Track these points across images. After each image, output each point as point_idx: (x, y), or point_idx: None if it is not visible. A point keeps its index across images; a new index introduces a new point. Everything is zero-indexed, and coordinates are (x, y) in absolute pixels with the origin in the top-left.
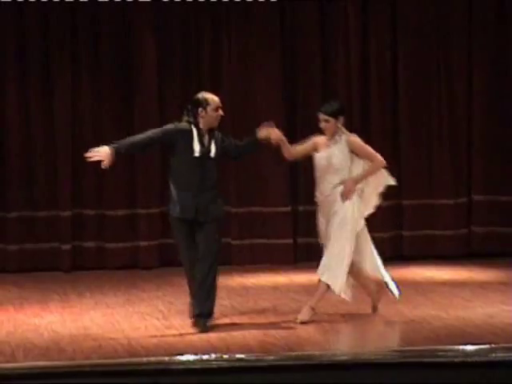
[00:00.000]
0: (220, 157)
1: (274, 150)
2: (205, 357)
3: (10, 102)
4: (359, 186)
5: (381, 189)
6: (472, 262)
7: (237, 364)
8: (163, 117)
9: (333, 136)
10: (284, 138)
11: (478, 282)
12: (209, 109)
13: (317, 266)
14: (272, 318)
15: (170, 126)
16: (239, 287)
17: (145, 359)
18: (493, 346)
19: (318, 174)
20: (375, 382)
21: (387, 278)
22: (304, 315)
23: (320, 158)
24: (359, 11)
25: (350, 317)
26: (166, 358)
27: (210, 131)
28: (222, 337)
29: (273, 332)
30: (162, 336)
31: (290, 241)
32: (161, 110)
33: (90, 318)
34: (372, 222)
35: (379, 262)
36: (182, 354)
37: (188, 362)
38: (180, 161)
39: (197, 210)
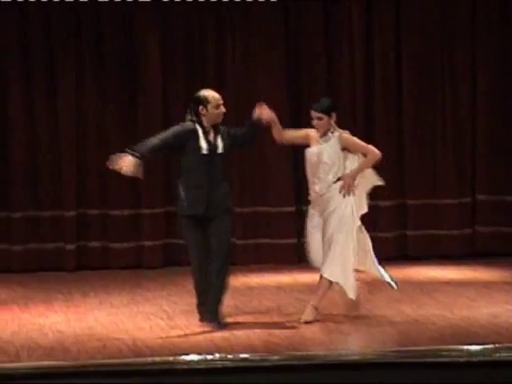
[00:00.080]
0: (228, 151)
1: (278, 150)
2: (209, 357)
3: (14, 102)
4: (356, 181)
5: (369, 189)
6: (476, 262)
7: (241, 364)
8: (167, 117)
9: (325, 133)
10: (276, 119)
11: (483, 282)
12: (209, 106)
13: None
14: (276, 318)
15: (177, 128)
16: (243, 287)
17: (149, 359)
18: (497, 345)
19: (309, 170)
20: (380, 382)
21: (386, 277)
22: (308, 315)
23: (311, 153)
24: (363, 11)
25: (354, 317)
26: (171, 358)
27: (215, 127)
28: (227, 337)
29: (277, 332)
30: (167, 336)
31: (295, 241)
32: (165, 109)
33: (95, 317)
34: (376, 221)
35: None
36: (186, 354)
37: (192, 361)
38: (189, 160)
39: (208, 207)
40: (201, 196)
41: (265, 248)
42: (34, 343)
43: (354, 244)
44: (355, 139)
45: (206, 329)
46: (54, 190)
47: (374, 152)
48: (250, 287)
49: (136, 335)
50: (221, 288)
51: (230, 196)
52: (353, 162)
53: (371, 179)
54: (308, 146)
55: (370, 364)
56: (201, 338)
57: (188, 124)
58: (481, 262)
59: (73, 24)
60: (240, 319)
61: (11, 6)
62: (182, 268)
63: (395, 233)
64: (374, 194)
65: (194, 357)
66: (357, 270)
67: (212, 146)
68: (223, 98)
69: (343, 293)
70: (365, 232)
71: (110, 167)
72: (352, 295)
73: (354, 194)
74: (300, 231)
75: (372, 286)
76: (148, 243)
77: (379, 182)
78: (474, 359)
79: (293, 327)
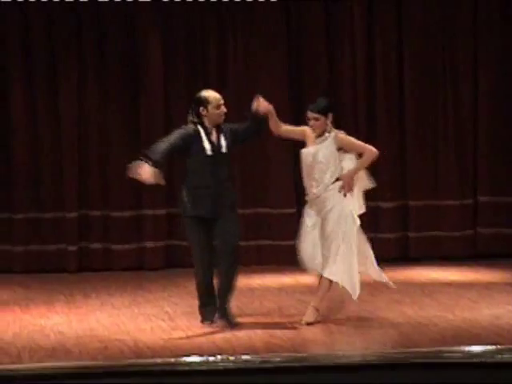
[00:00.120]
0: (232, 148)
1: (279, 152)
2: (211, 358)
3: (15, 102)
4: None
5: (363, 190)
6: (478, 263)
7: (242, 365)
8: (169, 117)
9: (322, 134)
10: (272, 111)
11: (484, 283)
12: (210, 107)
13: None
14: (277, 319)
15: (181, 131)
16: (245, 288)
17: (151, 360)
18: (499, 347)
19: (305, 171)
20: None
21: (384, 278)
22: (309, 317)
23: (307, 154)
24: (365, 11)
25: (355, 318)
26: (172, 359)
27: (217, 127)
28: (228, 338)
29: (278, 333)
30: (168, 337)
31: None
32: (166, 109)
33: (96, 319)
34: (378, 223)
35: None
36: (188, 356)
37: (194, 363)
38: (194, 161)
39: (212, 207)
40: (205, 197)
41: (266, 249)
42: (35, 344)
43: (356, 243)
44: (351, 139)
45: (208, 330)
46: (55, 190)
47: (371, 150)
48: (252, 288)
49: (137, 336)
50: (229, 288)
51: (235, 196)
52: (348, 162)
53: (364, 183)
54: (304, 143)
55: (372, 365)
56: (202, 339)
57: (190, 126)
58: (482, 264)
59: (75, 24)
60: (241, 320)
61: (13, 6)
62: (183, 269)
63: (397, 234)
64: (375, 195)
65: (195, 358)
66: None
67: (216, 147)
68: (225, 97)
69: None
70: (362, 233)
71: (130, 176)
72: (354, 295)
73: (352, 192)
74: None
75: (373, 287)
76: (150, 245)
77: (371, 185)
78: (476, 360)
79: (294, 328)
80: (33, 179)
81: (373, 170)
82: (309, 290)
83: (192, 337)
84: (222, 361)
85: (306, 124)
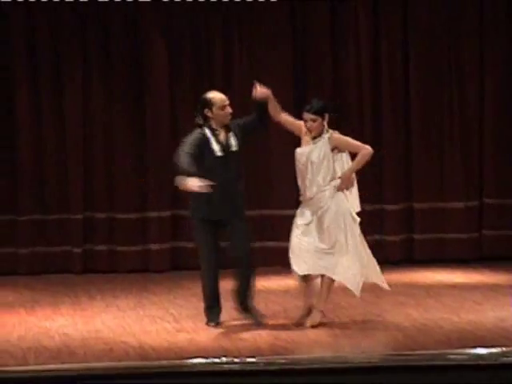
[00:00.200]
0: (242, 145)
1: (283, 154)
2: (216, 360)
3: (20, 102)
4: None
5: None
6: (483, 266)
7: (248, 367)
8: (174, 117)
9: (319, 135)
10: (271, 96)
11: (489, 286)
12: (214, 108)
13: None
14: (282, 321)
15: (192, 139)
16: None
17: (156, 362)
18: (504, 349)
19: (299, 172)
20: None
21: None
22: (314, 319)
23: (301, 154)
24: (370, 12)
25: (360, 320)
26: (178, 361)
27: (225, 126)
28: (233, 340)
29: (283, 335)
30: (173, 339)
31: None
32: (172, 109)
33: (102, 320)
34: (383, 225)
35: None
36: (193, 357)
37: (199, 365)
38: (205, 164)
39: (222, 209)
40: (214, 199)
41: (271, 251)
42: (40, 346)
43: (357, 240)
44: (346, 138)
45: (213, 332)
46: (60, 191)
47: (367, 149)
48: (257, 290)
49: (143, 338)
50: (250, 288)
51: (244, 197)
52: (340, 163)
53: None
54: (299, 138)
55: (377, 368)
56: (207, 341)
57: (197, 131)
58: (487, 266)
59: (79, 24)
60: (246, 322)
61: (18, 6)
62: (188, 272)
63: (402, 236)
64: (380, 197)
65: (200, 360)
66: None
67: (225, 147)
68: (230, 97)
69: (308, 295)
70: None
71: (181, 188)
72: (356, 293)
73: (350, 190)
74: None
75: (378, 289)
76: (155, 247)
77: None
78: (481, 363)
79: (299, 331)
80: (37, 180)
81: (378, 170)
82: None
83: (197, 339)
84: (227, 363)
85: None
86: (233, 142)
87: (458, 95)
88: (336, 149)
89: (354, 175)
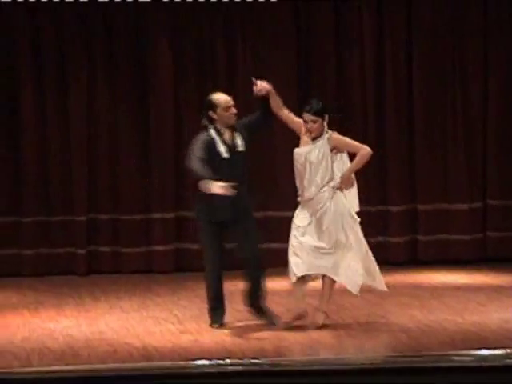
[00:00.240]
0: (248, 144)
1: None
2: (220, 361)
3: (25, 102)
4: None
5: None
6: (487, 267)
7: (252, 368)
8: (178, 117)
9: (319, 136)
10: (272, 90)
11: (493, 287)
12: (218, 110)
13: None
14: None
15: (199, 143)
16: None
17: (160, 364)
18: (508, 350)
19: (297, 173)
20: None
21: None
22: (317, 320)
23: (299, 154)
24: (374, 12)
25: (364, 321)
26: (181, 363)
27: (231, 127)
28: (237, 341)
29: (287, 336)
30: (177, 340)
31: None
32: (176, 109)
33: (106, 322)
34: (387, 226)
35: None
36: (197, 359)
37: (203, 366)
38: (212, 165)
39: (228, 210)
40: (220, 200)
41: (275, 252)
42: (44, 348)
43: (358, 236)
44: (345, 138)
45: (217, 333)
46: (64, 191)
47: (366, 150)
48: None
49: (146, 340)
50: (262, 289)
51: (250, 198)
52: (340, 165)
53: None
54: (298, 136)
55: (380, 369)
56: (211, 342)
57: (203, 134)
58: (491, 267)
59: (84, 24)
60: (251, 324)
61: (23, 7)
62: (192, 273)
63: (406, 237)
64: (385, 199)
65: (204, 361)
66: None
67: (231, 147)
68: (234, 98)
69: (301, 299)
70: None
71: (207, 191)
72: (355, 292)
73: (350, 190)
74: None
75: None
76: (158, 248)
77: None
78: (485, 364)
79: (303, 332)
80: (42, 180)
81: (382, 171)
82: (317, 293)
83: (201, 340)
84: (231, 364)
85: None
86: (239, 142)
87: (461, 95)
88: (335, 149)
89: (353, 175)
